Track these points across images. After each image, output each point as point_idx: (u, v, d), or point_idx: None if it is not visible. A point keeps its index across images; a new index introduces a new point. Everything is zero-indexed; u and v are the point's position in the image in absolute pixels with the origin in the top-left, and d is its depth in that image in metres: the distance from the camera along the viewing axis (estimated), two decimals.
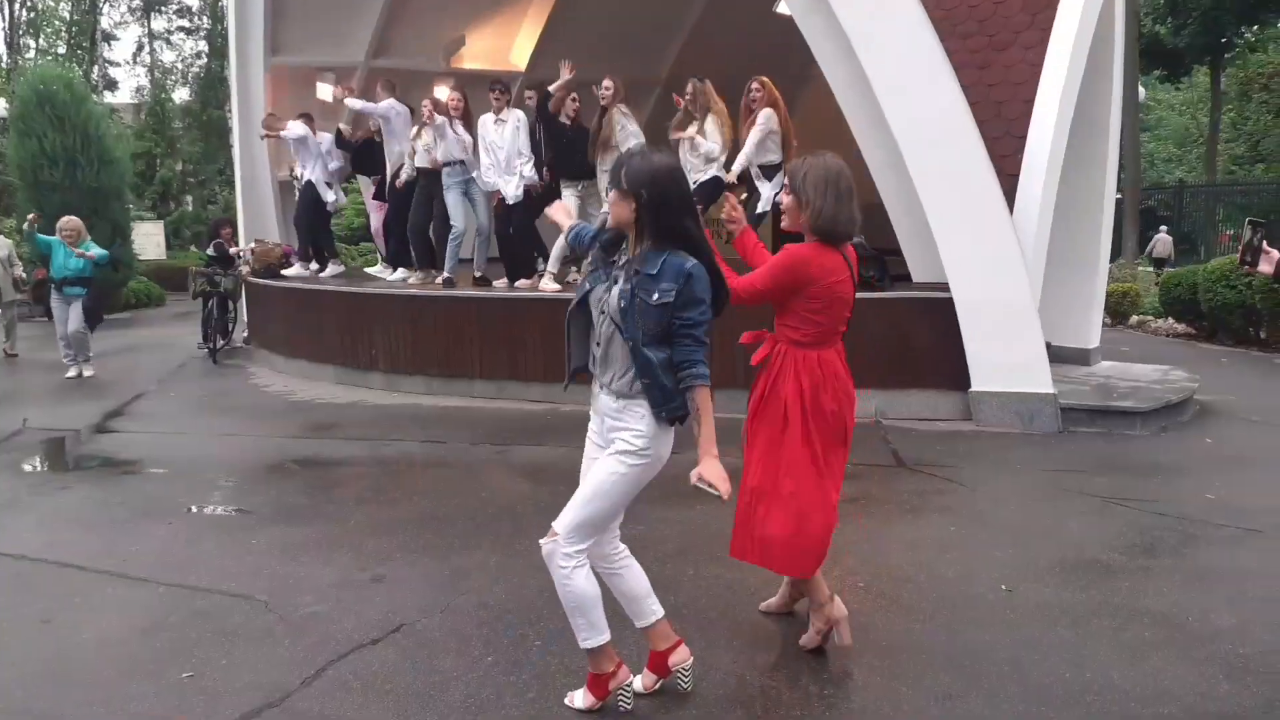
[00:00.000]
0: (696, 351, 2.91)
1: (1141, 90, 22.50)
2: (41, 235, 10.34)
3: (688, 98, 8.03)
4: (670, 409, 2.94)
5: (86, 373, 10.19)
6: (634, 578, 3.23)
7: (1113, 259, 19.17)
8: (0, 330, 11.70)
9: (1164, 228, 24.09)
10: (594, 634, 3.08)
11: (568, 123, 8.64)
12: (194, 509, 5.58)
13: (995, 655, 3.55)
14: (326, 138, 10.61)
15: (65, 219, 10.32)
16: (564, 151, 8.59)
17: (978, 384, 7.32)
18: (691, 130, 7.94)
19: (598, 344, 3.05)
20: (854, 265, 3.50)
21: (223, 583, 4.35)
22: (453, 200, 8.97)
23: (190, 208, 30.56)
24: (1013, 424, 7.18)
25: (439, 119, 8.81)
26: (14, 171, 18.25)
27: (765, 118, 7.80)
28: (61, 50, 38.81)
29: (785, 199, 3.50)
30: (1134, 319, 14.25)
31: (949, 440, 6.95)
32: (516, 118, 8.53)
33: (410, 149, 9.45)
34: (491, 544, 4.83)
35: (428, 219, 9.46)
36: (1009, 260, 7.16)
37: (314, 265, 10.89)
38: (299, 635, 3.81)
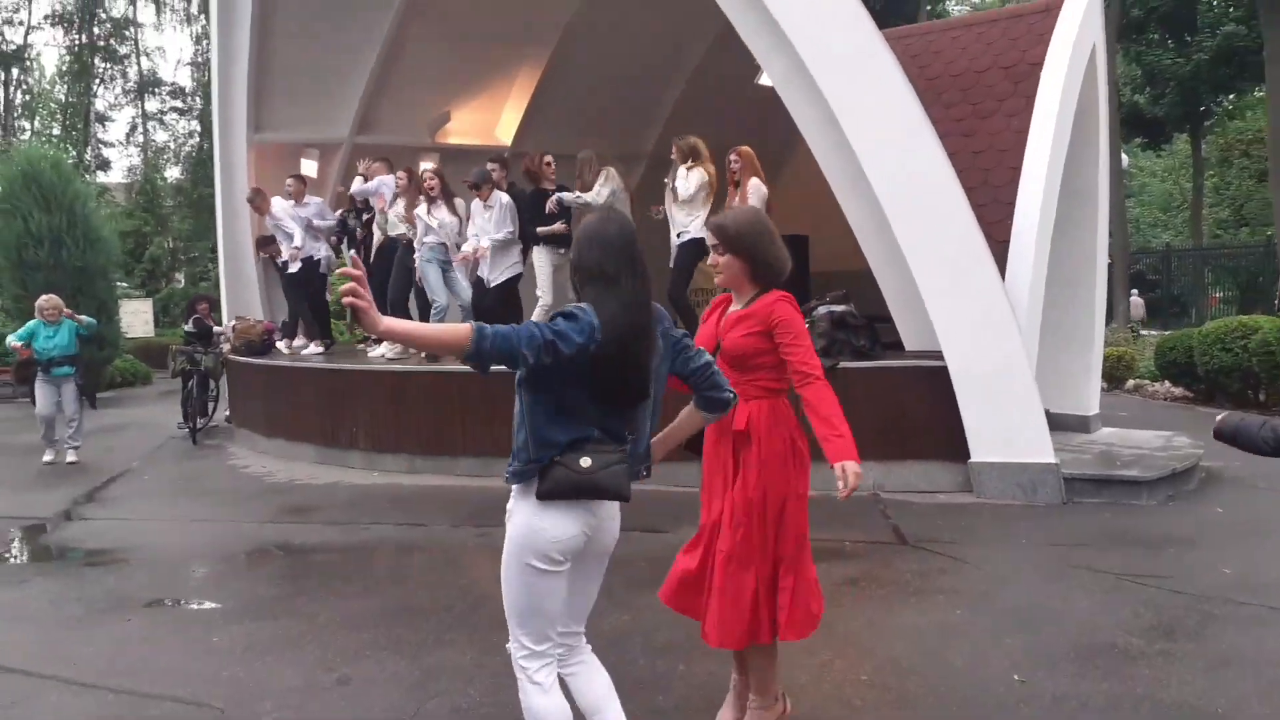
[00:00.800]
0: None
1: (1125, 158, 22.75)
2: (18, 331, 10.05)
3: (673, 156, 7.98)
4: None
5: (70, 459, 9.72)
6: (587, 682, 2.77)
7: (1105, 324, 19.26)
8: None
9: (1135, 291, 24.15)
10: None
11: (551, 188, 8.56)
12: (155, 603, 5.27)
13: None
14: (315, 201, 10.61)
15: (44, 297, 10.07)
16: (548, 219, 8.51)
17: (977, 454, 7.08)
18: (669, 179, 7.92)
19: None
20: None
21: (178, 688, 4.04)
22: (433, 276, 8.84)
23: (181, 284, 30.53)
24: (1014, 495, 6.93)
25: (417, 212, 8.85)
26: None
27: (754, 186, 7.73)
28: (56, 132, 39.23)
29: (720, 259, 3.26)
30: (1130, 383, 14.08)
31: (950, 514, 6.69)
32: (502, 202, 8.48)
33: (382, 220, 9.42)
34: (468, 639, 4.53)
35: (408, 289, 9.33)
36: (1002, 325, 6.99)
37: (312, 344, 10.69)
38: None
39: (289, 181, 10.52)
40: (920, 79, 7.78)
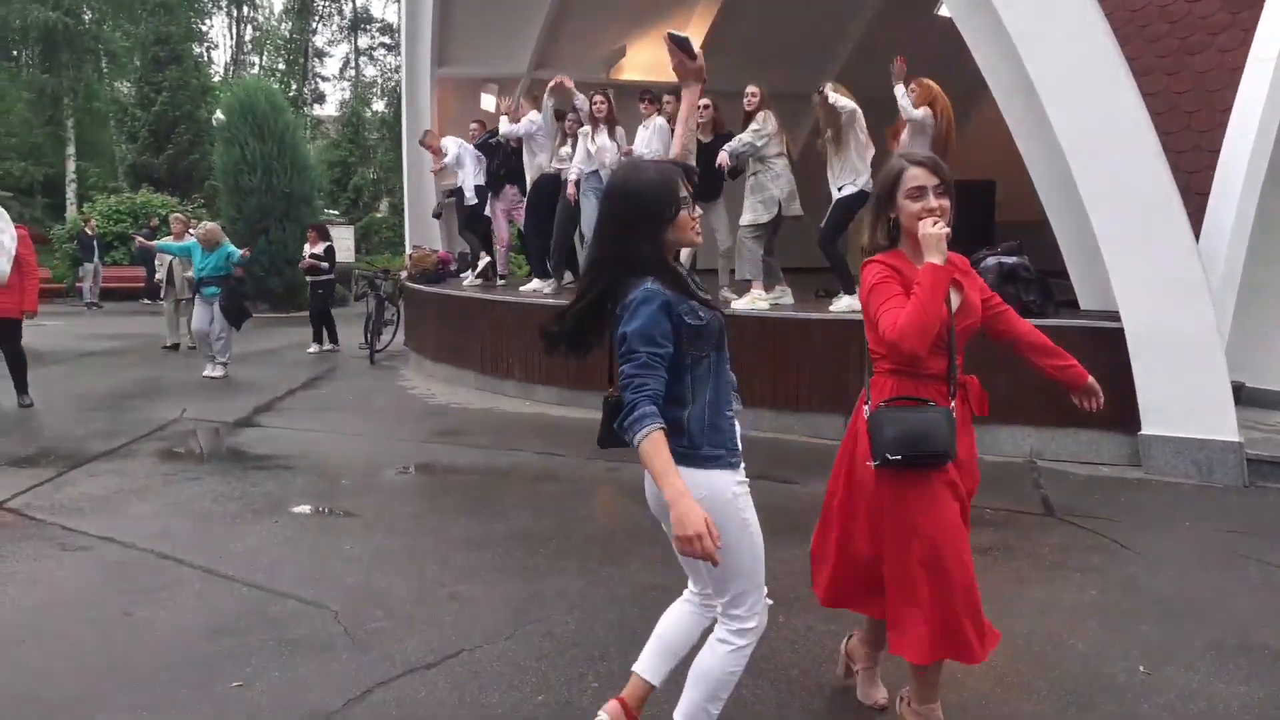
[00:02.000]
0: None
1: None
2: (169, 244, 11.31)
3: (817, 106, 7.56)
4: None
5: (215, 373, 10.20)
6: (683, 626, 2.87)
7: None
8: (177, 324, 12.51)
9: None
10: None
11: (703, 139, 8.30)
12: (303, 508, 5.66)
13: None
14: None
15: (202, 225, 10.89)
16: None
17: (1148, 426, 6.51)
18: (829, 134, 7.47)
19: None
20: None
21: (302, 588, 4.32)
22: (589, 209, 8.87)
23: (383, 213, 32.32)
24: (1188, 474, 6.34)
25: (583, 128, 8.75)
26: (219, 176, 19.75)
27: (923, 114, 7.26)
28: (281, 66, 42.04)
29: (940, 202, 2.72)
30: None
31: (1110, 488, 6.21)
32: (656, 125, 8.34)
33: (552, 161, 9.45)
34: (578, 568, 4.61)
35: (573, 231, 9.40)
36: (1192, 288, 6.33)
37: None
38: (358, 652, 3.69)
39: (472, 125, 10.72)
40: (1121, 9, 7.05)
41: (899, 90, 7.30)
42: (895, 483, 2.81)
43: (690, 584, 2.85)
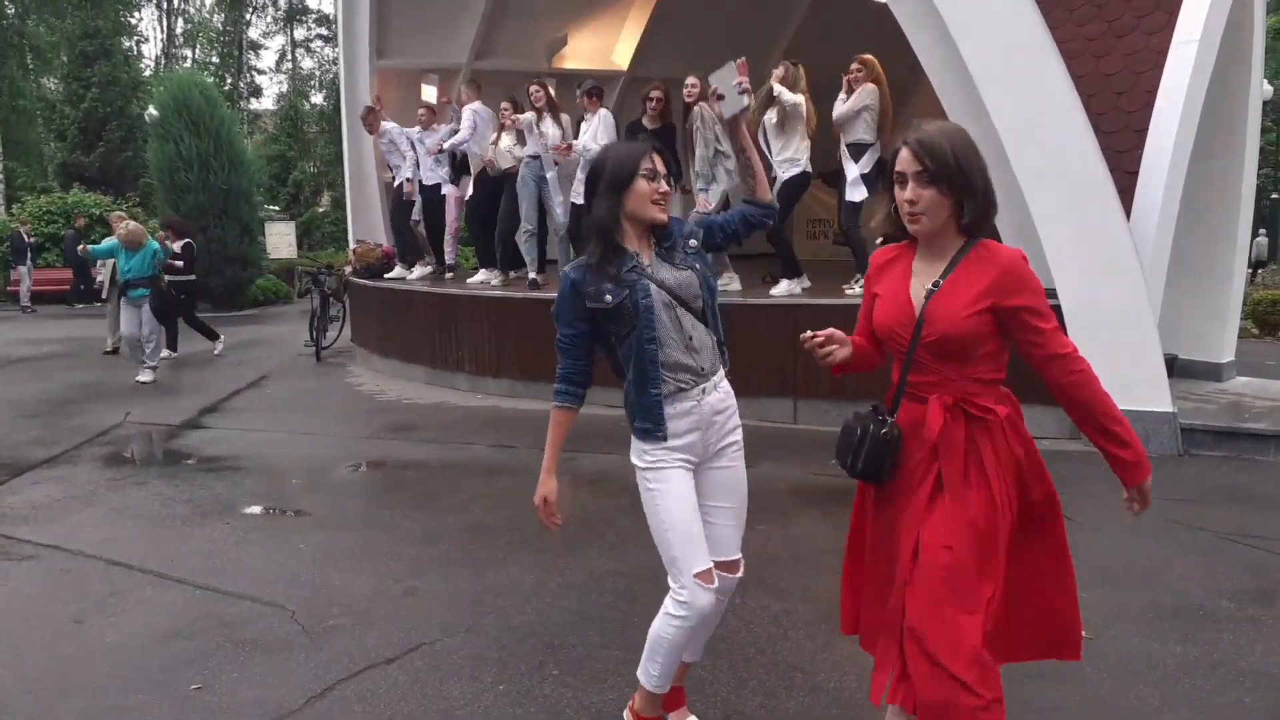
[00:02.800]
0: None
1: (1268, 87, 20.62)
2: (96, 247, 10.80)
3: (778, 75, 7.61)
4: None
5: (146, 378, 9.74)
6: None
7: (1266, 263, 17.72)
8: (118, 327, 12.19)
9: (1263, 230, 22.13)
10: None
11: (649, 126, 8.35)
12: (253, 509, 5.60)
13: (1058, 716, 3.12)
14: (446, 128, 10.48)
15: (124, 225, 10.32)
16: None
17: None
18: (772, 113, 7.54)
19: (688, 337, 2.64)
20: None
21: (257, 589, 4.29)
22: (526, 195, 8.84)
23: (324, 208, 31.84)
24: None
25: (523, 118, 8.72)
26: (154, 174, 19.30)
27: (867, 92, 7.36)
28: (215, 60, 41.16)
29: (921, 193, 2.30)
30: None
31: (1051, 461, 6.21)
32: (602, 117, 8.34)
33: (490, 152, 9.39)
34: (533, 560, 4.63)
35: (517, 223, 9.37)
36: (1123, 264, 6.53)
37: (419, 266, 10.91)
38: (316, 650, 3.69)
39: (420, 113, 10.57)
40: None
41: (776, 87, 7.47)
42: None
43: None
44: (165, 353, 10.85)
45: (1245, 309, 11.03)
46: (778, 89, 7.48)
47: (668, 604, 2.69)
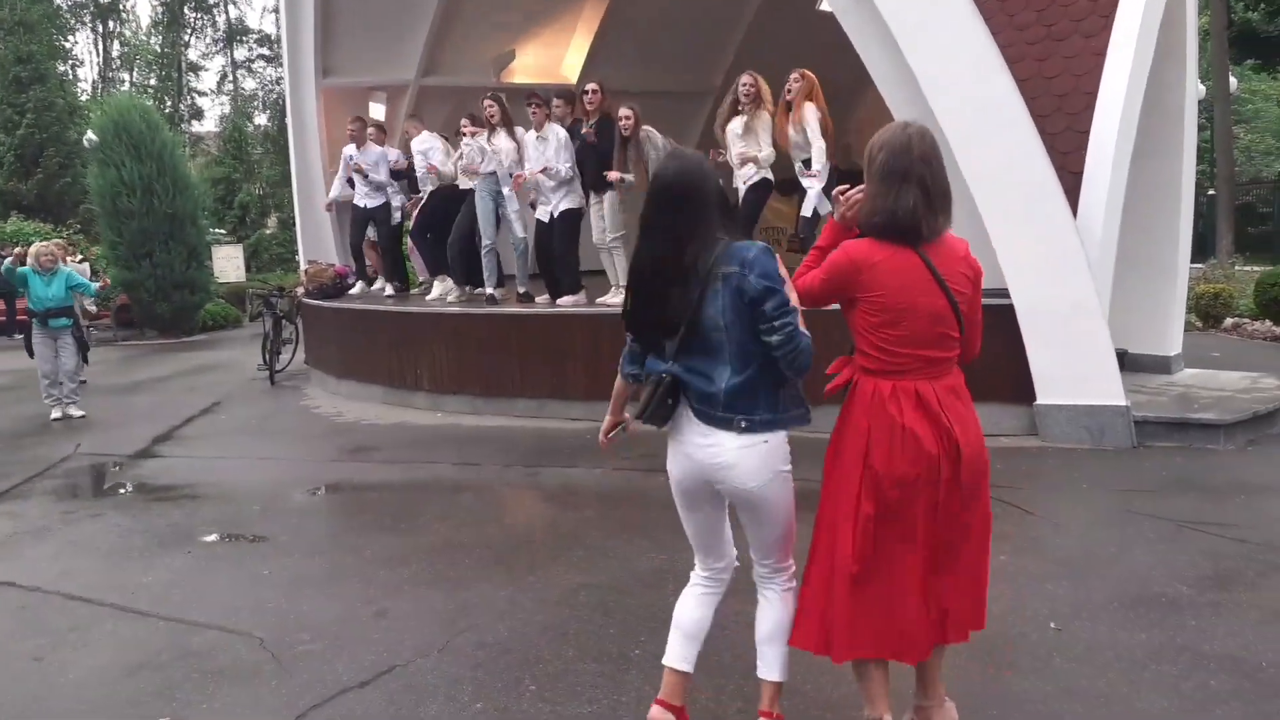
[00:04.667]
0: None
1: (1233, 81, 21.27)
2: (17, 268, 9.52)
3: (745, 87, 7.65)
4: None
5: (75, 413, 9.29)
6: (759, 616, 2.94)
7: (1204, 258, 18.15)
8: None
9: None
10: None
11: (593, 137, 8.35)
12: (213, 537, 5.49)
13: (1031, 706, 3.17)
14: (376, 151, 10.45)
15: (40, 245, 9.67)
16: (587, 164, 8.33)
17: (1043, 396, 6.83)
18: (737, 123, 7.62)
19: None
20: (943, 267, 2.67)
21: (224, 617, 4.20)
22: (483, 211, 8.81)
23: (271, 229, 31.40)
24: (1082, 439, 6.68)
25: (472, 136, 8.73)
26: (95, 200, 18.89)
27: (809, 111, 7.44)
28: (153, 82, 40.49)
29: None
30: (1228, 321, 13.36)
31: (1011, 458, 6.48)
32: (557, 135, 8.33)
33: (453, 170, 9.38)
34: (504, 576, 4.60)
35: (471, 236, 9.33)
36: (1072, 262, 6.67)
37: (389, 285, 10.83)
38: (287, 677, 3.62)
39: (350, 125, 10.48)
40: (990, 1, 7.38)
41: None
42: None
43: (698, 565, 2.94)
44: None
45: (1189, 302, 11.30)
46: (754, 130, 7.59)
47: (789, 584, 2.83)
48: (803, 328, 2.57)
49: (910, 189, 2.63)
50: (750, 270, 2.55)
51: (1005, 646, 3.60)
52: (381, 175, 10.38)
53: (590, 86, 8.41)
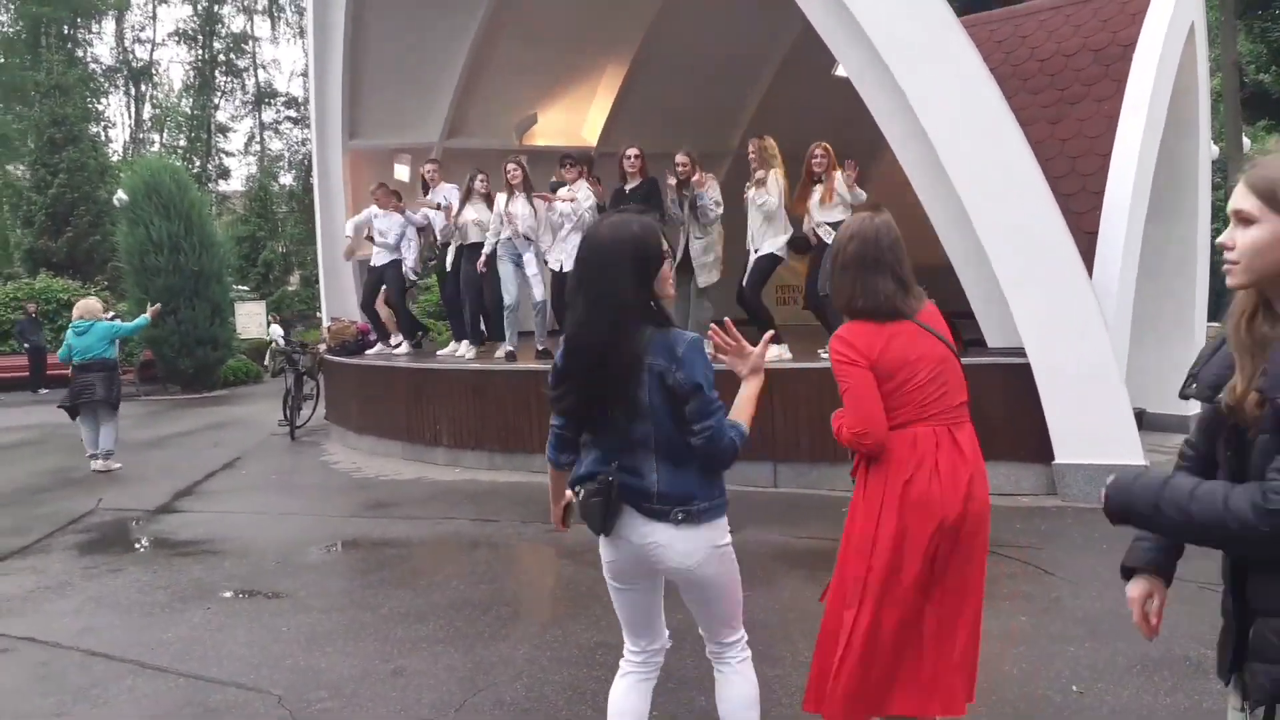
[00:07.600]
0: None
1: (1247, 141, 21.41)
2: (122, 326, 10.10)
3: (751, 155, 7.81)
4: None
5: (98, 467, 9.52)
6: (718, 691, 2.85)
7: (1221, 316, 18.15)
8: None
9: None
10: None
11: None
12: (233, 593, 5.52)
13: None
14: (391, 216, 10.60)
15: (82, 301, 9.93)
16: None
17: (1061, 456, 6.81)
18: (750, 190, 7.76)
19: None
20: (930, 324, 2.90)
21: (242, 675, 4.22)
22: (505, 273, 8.93)
23: (294, 286, 31.85)
24: (1101, 499, 6.62)
25: (502, 197, 8.89)
26: (124, 257, 19.28)
27: (840, 179, 7.56)
28: (183, 143, 41.43)
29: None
30: None
31: (1030, 518, 6.45)
32: (586, 193, 8.48)
33: (454, 225, 9.48)
34: (522, 634, 4.60)
35: (480, 293, 9.45)
36: (1088, 321, 6.70)
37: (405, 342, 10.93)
38: None
39: (374, 191, 10.65)
40: (1005, 65, 7.53)
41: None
42: None
43: (628, 646, 2.83)
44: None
45: None
46: (753, 195, 7.68)
47: (742, 654, 2.77)
48: (730, 423, 2.51)
49: (885, 275, 2.86)
50: (679, 367, 2.45)
51: (1028, 710, 3.57)
52: (391, 240, 10.49)
53: (632, 151, 8.37)
